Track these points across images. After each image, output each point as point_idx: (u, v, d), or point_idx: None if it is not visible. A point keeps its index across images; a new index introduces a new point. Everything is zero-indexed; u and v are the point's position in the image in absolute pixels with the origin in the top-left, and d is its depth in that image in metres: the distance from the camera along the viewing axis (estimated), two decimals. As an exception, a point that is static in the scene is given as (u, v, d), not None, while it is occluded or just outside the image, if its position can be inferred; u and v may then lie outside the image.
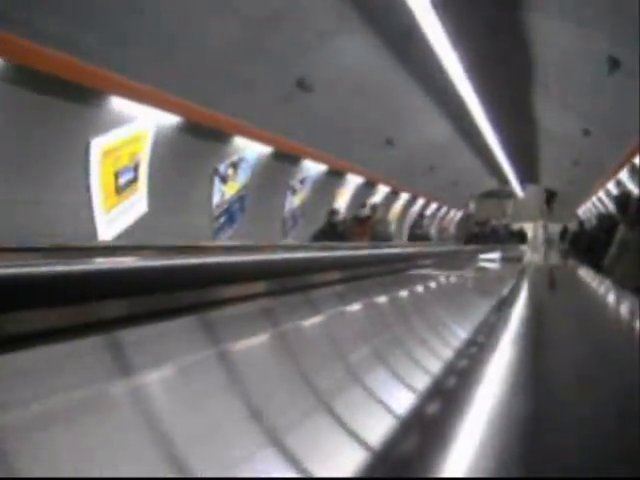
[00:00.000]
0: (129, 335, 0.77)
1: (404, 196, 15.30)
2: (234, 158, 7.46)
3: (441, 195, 18.51)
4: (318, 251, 2.45)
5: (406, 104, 10.38)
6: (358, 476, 0.44)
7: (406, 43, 7.92)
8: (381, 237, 5.51)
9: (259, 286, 1.17)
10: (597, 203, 15.56)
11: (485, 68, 8.96)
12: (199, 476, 0.50)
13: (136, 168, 5.92)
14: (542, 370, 0.71)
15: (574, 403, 0.55)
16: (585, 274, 3.42)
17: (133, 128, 5.72)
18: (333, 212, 6.04)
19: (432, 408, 0.56)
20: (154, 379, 0.74)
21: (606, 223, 7.07)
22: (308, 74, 7.27)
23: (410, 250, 2.96)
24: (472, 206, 23.61)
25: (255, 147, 7.66)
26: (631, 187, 10.40)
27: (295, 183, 9.25)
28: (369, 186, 12.27)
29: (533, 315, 1.43)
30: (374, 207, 7.32)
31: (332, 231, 5.64)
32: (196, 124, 6.32)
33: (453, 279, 2.48)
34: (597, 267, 4.90)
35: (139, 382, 0.72)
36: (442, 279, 2.31)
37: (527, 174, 19.23)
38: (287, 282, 1.29)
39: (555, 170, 17.13)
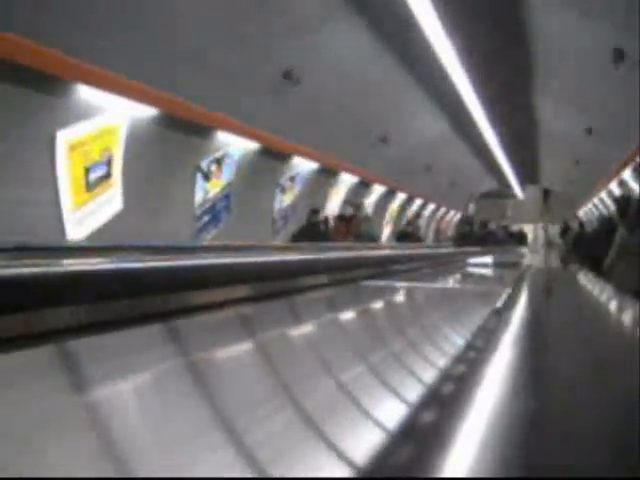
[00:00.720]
0: (86, 345, 0.71)
1: (401, 196, 14.92)
2: (218, 154, 7.08)
3: (439, 195, 18.14)
4: (285, 254, 2.13)
5: (401, 100, 10.02)
6: (358, 476, 0.40)
7: (401, 35, 7.57)
8: (366, 237, 5.11)
9: (225, 293, 1.04)
10: (599, 204, 15.18)
11: (483, 62, 8.61)
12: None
13: (109, 163, 5.54)
14: (542, 372, 0.69)
15: (574, 404, 0.52)
16: (587, 279, 3.29)
17: (104, 120, 5.34)
18: (313, 211, 5.61)
19: (432, 410, 0.51)
20: (112, 395, 0.65)
21: (606, 226, 6.94)
22: (295, 65, 6.89)
23: (383, 253, 2.57)
24: (471, 207, 23.35)
25: (240, 143, 7.28)
26: (635, 187, 10.03)
27: (284, 181, 8.87)
28: (364, 185, 11.90)
29: (532, 321, 1.32)
30: (358, 205, 6.93)
31: (313, 231, 5.23)
32: (174, 117, 5.95)
33: (423, 292, 2.09)
34: (597, 270, 4.89)
35: (92, 399, 0.63)
36: (405, 293, 1.92)
37: (527, 174, 18.87)
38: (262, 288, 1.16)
39: (556, 170, 16.76)
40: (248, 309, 1.06)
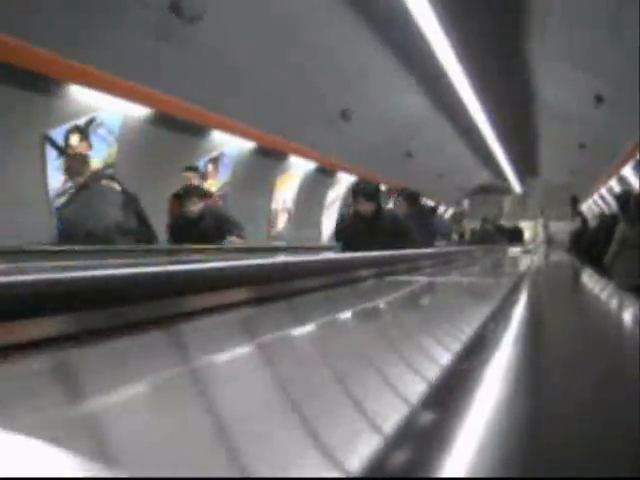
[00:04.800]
0: None
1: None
2: (79, 121, 5.03)
3: (426, 188, 16.03)
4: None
5: (366, 65, 7.97)
6: (358, 476, 0.36)
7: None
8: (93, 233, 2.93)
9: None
10: (607, 195, 13.10)
11: (465, 13, 6.68)
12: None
13: None
14: (544, 372, 0.63)
15: (575, 404, 0.50)
16: (590, 277, 2.66)
17: None
18: (90, 178, 3.33)
19: (432, 409, 0.47)
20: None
21: (608, 222, 6.61)
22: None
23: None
24: (466, 203, 21.75)
25: (117, 106, 5.23)
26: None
27: (204, 164, 6.81)
28: (325, 173, 9.82)
29: (533, 319, 1.07)
30: (193, 172, 4.84)
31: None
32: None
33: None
34: (597, 264, 4.81)
35: None
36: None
37: (524, 164, 16.81)
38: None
39: (556, 158, 14.66)
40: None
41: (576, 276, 2.97)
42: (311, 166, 9.13)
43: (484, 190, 21.67)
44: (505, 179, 19.69)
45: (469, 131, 11.84)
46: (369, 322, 1.10)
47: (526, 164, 16.85)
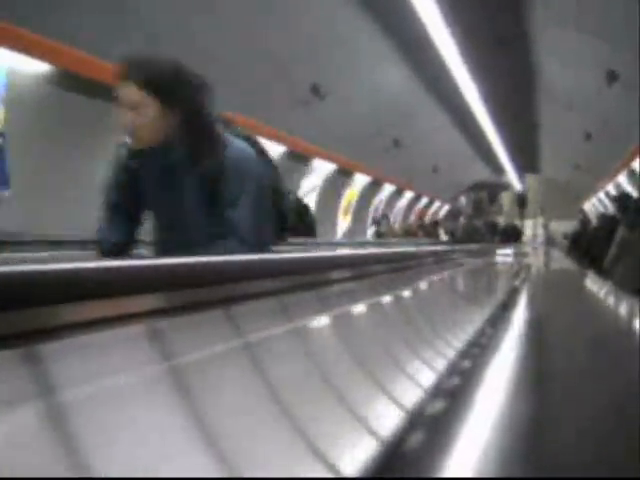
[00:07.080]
0: None
1: (362, 180, 11.74)
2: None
3: (419, 182, 14.92)
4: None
5: (343, 34, 6.88)
6: (359, 476, 0.40)
7: None
8: None
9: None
10: (613, 192, 11.98)
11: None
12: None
13: None
14: (545, 373, 0.67)
15: (575, 405, 0.52)
16: (593, 281, 2.93)
17: None
18: None
19: (434, 410, 0.50)
20: None
21: (608, 223, 6.56)
22: None
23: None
24: (463, 200, 20.82)
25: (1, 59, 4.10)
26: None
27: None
28: (297, 159, 8.68)
29: (536, 322, 1.22)
30: None
31: None
32: None
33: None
34: (597, 267, 5.01)
35: None
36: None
37: (524, 158, 15.71)
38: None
39: (560, 151, 13.53)
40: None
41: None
42: (279, 149, 7.99)
43: (482, 186, 20.76)
44: (504, 175, 18.77)
45: (464, 119, 10.76)
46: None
47: (525, 158, 15.75)
